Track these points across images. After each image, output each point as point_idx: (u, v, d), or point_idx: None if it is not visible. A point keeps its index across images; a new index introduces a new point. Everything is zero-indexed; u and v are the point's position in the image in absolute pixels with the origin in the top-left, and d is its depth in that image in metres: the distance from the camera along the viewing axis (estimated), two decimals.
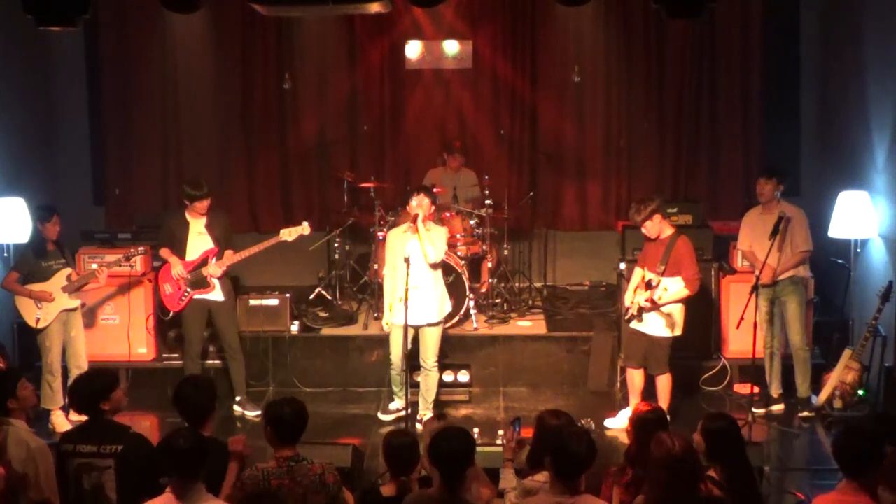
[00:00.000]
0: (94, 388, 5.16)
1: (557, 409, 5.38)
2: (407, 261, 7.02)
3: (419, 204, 7.43)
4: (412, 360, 7.50)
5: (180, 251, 7.80)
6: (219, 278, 7.79)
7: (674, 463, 4.37)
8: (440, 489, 4.43)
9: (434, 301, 7.49)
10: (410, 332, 7.29)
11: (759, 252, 7.65)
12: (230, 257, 7.75)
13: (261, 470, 4.72)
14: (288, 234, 7.75)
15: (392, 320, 7.48)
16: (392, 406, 7.84)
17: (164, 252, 7.87)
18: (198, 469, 4.38)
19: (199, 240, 7.81)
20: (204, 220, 7.80)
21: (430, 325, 7.48)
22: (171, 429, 4.86)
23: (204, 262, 7.77)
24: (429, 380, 7.62)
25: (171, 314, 8.01)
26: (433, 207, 7.59)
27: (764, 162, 9.95)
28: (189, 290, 7.77)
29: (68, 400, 5.43)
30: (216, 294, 7.83)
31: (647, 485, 4.51)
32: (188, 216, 7.80)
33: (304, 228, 7.80)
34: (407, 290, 6.97)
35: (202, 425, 4.91)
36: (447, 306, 7.70)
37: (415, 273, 7.19)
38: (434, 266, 7.46)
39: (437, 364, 7.63)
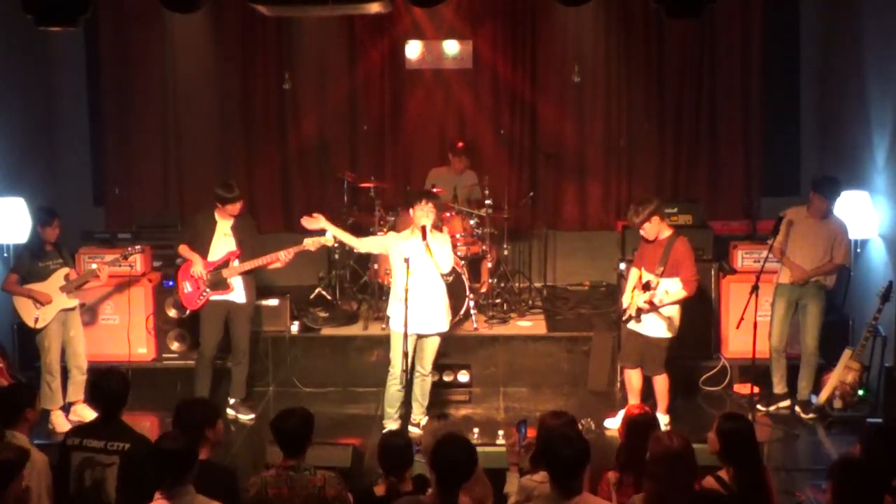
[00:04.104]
0: (120, 386, 5.23)
1: (559, 409, 5.35)
2: (407, 262, 6.93)
3: (426, 214, 7.16)
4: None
5: (203, 250, 7.73)
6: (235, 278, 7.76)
7: (671, 459, 4.38)
8: (435, 496, 4.41)
9: (442, 310, 7.37)
10: (413, 340, 7.19)
11: (790, 254, 7.64)
12: (253, 262, 7.67)
13: (262, 477, 4.75)
14: (311, 244, 7.61)
15: (393, 328, 7.34)
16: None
17: (183, 249, 7.79)
18: (186, 471, 4.39)
19: (223, 240, 7.76)
20: (231, 221, 7.77)
21: (436, 334, 7.36)
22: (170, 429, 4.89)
23: (225, 263, 7.72)
24: (425, 385, 7.52)
25: (187, 312, 7.99)
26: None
27: (764, 162, 9.97)
28: (208, 289, 7.72)
29: (90, 396, 5.45)
30: (236, 296, 7.77)
31: (646, 481, 4.52)
32: (217, 216, 7.78)
33: (328, 239, 7.62)
34: (407, 293, 6.88)
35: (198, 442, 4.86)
36: (449, 314, 7.59)
37: (424, 282, 7.11)
38: (447, 275, 7.31)
39: (432, 370, 7.55)
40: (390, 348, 7.42)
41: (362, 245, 7.69)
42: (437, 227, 9.00)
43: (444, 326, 7.45)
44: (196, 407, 5.07)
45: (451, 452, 4.40)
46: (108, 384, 5.25)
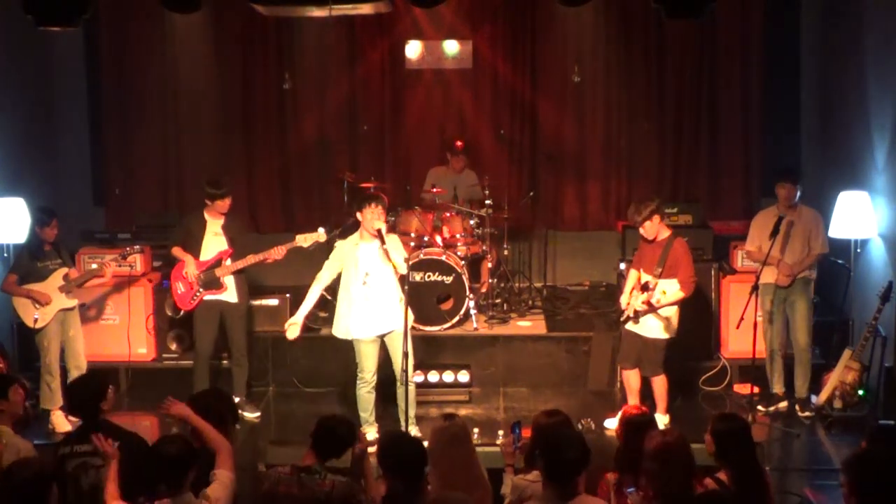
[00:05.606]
0: (91, 390, 5.25)
1: (553, 408, 5.34)
2: (406, 261, 6.92)
3: (377, 217, 7.00)
4: (388, 370, 7.37)
5: (195, 250, 7.75)
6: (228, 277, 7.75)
7: (666, 453, 4.38)
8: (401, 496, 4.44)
9: (397, 308, 7.17)
10: (377, 343, 7.20)
11: (775, 253, 7.64)
12: (245, 261, 7.67)
13: (277, 473, 4.80)
14: (304, 241, 7.60)
15: (356, 336, 7.23)
16: (370, 437, 7.15)
17: (177, 251, 7.80)
18: (185, 476, 4.42)
19: (214, 240, 7.77)
20: (221, 220, 7.78)
21: (398, 331, 7.15)
22: (171, 429, 4.89)
23: (218, 262, 7.73)
24: (408, 393, 7.13)
25: (181, 312, 8.00)
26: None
27: (765, 162, 9.97)
28: (201, 289, 7.74)
29: (66, 404, 5.45)
30: (229, 295, 7.79)
31: (642, 479, 4.52)
32: (206, 216, 7.78)
33: (320, 235, 7.62)
34: (407, 293, 6.82)
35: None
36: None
37: (381, 284, 7.05)
38: (403, 276, 7.07)
39: (413, 374, 7.33)
40: (357, 354, 7.31)
41: (321, 285, 7.34)
42: (438, 222, 9.04)
43: (401, 323, 7.10)
44: (212, 400, 5.12)
45: (399, 449, 4.47)
46: (86, 386, 5.32)
